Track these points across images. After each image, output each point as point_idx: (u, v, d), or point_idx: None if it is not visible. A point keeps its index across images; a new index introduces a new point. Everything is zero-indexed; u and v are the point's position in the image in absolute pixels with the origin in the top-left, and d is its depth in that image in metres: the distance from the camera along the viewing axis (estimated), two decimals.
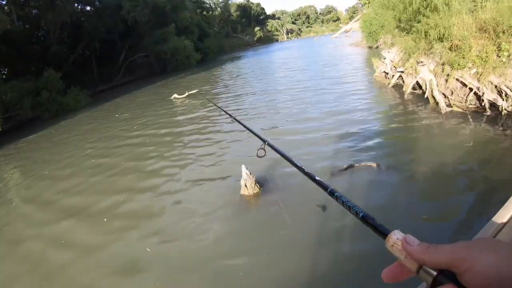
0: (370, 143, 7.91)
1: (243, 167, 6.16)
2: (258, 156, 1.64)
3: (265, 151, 1.63)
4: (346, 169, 6.52)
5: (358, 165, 6.56)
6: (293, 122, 10.44)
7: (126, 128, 14.48)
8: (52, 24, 34.03)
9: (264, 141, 1.65)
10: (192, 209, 6.24)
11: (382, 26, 24.71)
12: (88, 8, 40.75)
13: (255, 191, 6.12)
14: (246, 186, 6.07)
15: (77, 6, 38.89)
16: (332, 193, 0.88)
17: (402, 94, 11.90)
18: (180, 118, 14.50)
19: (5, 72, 33.00)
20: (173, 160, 9.32)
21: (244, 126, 2.20)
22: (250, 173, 6.15)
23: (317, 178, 0.98)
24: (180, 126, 12.86)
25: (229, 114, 2.97)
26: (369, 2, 35.81)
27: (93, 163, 10.57)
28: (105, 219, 6.59)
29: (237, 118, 2.63)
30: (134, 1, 38.81)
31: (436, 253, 0.53)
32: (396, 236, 0.62)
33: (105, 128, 15.71)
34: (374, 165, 6.53)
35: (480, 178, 5.77)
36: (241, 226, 5.47)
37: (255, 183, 6.14)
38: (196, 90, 19.64)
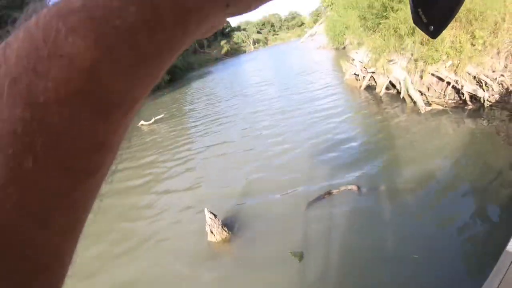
0: (348, 159, 7.16)
1: (206, 211, 5.28)
2: None
3: None
4: (323, 196, 5.72)
5: (337, 190, 5.77)
6: (265, 143, 9.47)
7: None
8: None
9: None
10: (151, 266, 5.30)
11: (346, 27, 24.47)
12: None
13: (223, 236, 5.24)
14: (212, 232, 5.19)
15: None
16: None
17: (376, 95, 11.32)
18: (146, 146, 13.52)
19: None
20: (134, 198, 8.33)
21: None
22: (215, 216, 5.28)
23: None
24: (143, 157, 11.91)
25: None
26: (331, 4, 35.86)
27: None
28: None
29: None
30: None
31: None
32: None
33: None
34: (355, 188, 5.77)
35: (470, 190, 5.14)
36: (209, 283, 4.59)
37: (222, 227, 5.26)
38: (163, 115, 18.72)
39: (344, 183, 5.97)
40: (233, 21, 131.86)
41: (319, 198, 5.68)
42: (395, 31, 10.29)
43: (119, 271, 5.41)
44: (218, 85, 29.36)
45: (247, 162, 8.18)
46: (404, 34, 9.87)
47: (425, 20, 0.39)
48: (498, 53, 8.61)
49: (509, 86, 8.11)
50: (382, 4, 10.82)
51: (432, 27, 0.39)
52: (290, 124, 10.42)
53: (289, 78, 20.46)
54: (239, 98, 17.85)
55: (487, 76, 8.37)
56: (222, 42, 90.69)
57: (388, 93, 11.03)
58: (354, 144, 7.95)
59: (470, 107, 8.48)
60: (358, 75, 13.53)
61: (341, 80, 15.14)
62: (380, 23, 11.09)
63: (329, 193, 5.73)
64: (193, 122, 16.28)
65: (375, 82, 11.98)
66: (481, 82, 8.47)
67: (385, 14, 10.84)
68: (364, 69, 12.88)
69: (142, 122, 18.39)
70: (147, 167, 10.77)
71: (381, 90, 11.04)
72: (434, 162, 6.21)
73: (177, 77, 50.27)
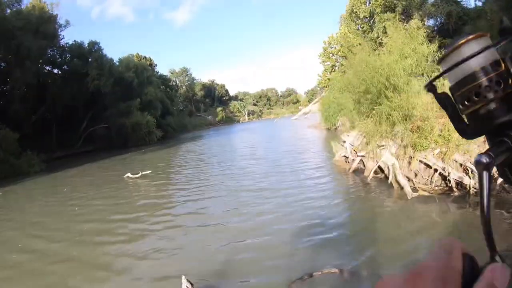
0: (331, 241, 7.02)
1: (183, 279, 5.05)
2: None
3: None
4: (305, 279, 5.55)
5: (319, 273, 5.60)
6: (245, 219, 9.10)
7: (67, 208, 12.97)
8: (19, 82, 33.03)
9: None
10: None
11: (340, 110, 25.39)
12: (55, 71, 40.61)
13: None
14: None
15: (45, 67, 38.71)
16: None
17: (364, 179, 11.44)
18: (126, 201, 13.19)
19: None
20: (105, 256, 7.89)
21: None
22: (192, 286, 5.03)
23: None
24: (122, 211, 11.55)
25: None
26: (327, 86, 37.54)
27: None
28: None
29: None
30: (100, 69, 38.97)
31: None
32: None
33: (49, 204, 14.12)
34: (337, 271, 5.62)
35: None
36: None
37: None
38: (150, 171, 18.62)
39: (326, 266, 5.81)
40: (232, 90, 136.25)
41: (301, 279, 5.50)
42: (387, 118, 10.69)
43: None
44: (208, 151, 29.58)
45: (227, 237, 7.89)
46: (397, 121, 10.25)
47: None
48: (484, 141, 8.92)
49: (494, 173, 8.30)
50: (378, 91, 11.34)
51: None
52: (275, 203, 10.19)
53: (278, 154, 20.63)
54: (227, 169, 17.82)
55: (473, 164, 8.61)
56: (219, 109, 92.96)
57: (376, 177, 11.19)
58: (339, 227, 7.84)
59: (456, 193, 8.63)
60: (347, 157, 13.77)
61: (330, 160, 15.35)
62: (373, 109, 11.54)
63: (310, 275, 5.55)
64: (177, 184, 16.14)
65: (364, 165, 12.18)
66: (468, 170, 8.69)
67: (378, 100, 11.32)
68: (354, 152, 13.15)
69: (128, 174, 18.21)
70: (123, 222, 10.48)
71: (369, 173, 11.20)
72: (418, 247, 6.15)
73: (169, 135, 50.78)
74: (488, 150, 0.42)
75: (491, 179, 0.40)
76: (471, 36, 0.45)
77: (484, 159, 0.40)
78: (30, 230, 10.59)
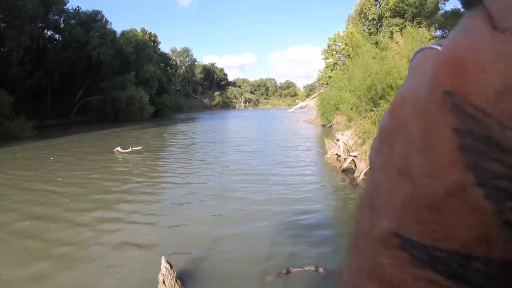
0: (313, 238, 6.97)
1: (163, 260, 4.97)
2: None
3: None
4: (283, 274, 5.50)
5: (297, 269, 5.57)
6: (229, 208, 9.00)
7: (51, 174, 12.77)
8: (13, 43, 32.39)
9: None
10: None
11: (337, 108, 25.38)
12: (57, 36, 40.16)
13: None
14: (164, 283, 4.86)
15: (46, 32, 38.23)
16: None
17: (353, 179, 11.43)
18: (113, 175, 13.02)
19: None
20: (85, 227, 7.82)
21: None
22: (171, 267, 4.96)
23: None
24: (108, 185, 11.40)
25: None
26: (327, 83, 37.44)
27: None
28: None
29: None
30: (102, 38, 38.70)
31: None
32: None
33: (37, 169, 13.89)
34: (313, 268, 5.60)
35: None
36: None
37: (176, 280, 4.93)
38: (141, 147, 18.45)
39: (305, 263, 5.78)
40: (231, 76, 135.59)
41: (278, 274, 5.46)
42: None
43: None
44: (202, 134, 29.40)
45: (209, 224, 7.85)
46: None
47: None
48: None
49: None
50: (382, 89, 11.29)
51: None
52: (261, 194, 10.09)
53: (271, 145, 20.60)
54: (217, 155, 17.68)
55: None
56: (216, 93, 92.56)
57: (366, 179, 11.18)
58: (322, 225, 7.79)
59: None
60: (339, 155, 13.76)
61: (322, 157, 15.34)
62: (374, 108, 11.51)
63: (288, 271, 5.52)
64: (166, 163, 16.01)
65: (355, 166, 12.18)
66: None
67: (379, 101, 11.29)
68: (347, 151, 13.14)
69: (118, 148, 18.06)
70: (108, 194, 10.38)
71: (359, 175, 11.19)
72: None
73: (164, 114, 50.49)
74: None
75: None
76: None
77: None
78: (5, 194, 10.43)
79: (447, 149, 0.17)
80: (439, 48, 0.20)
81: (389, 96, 11.05)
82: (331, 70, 39.53)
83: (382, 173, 0.21)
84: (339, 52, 40.15)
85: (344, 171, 12.51)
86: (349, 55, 33.62)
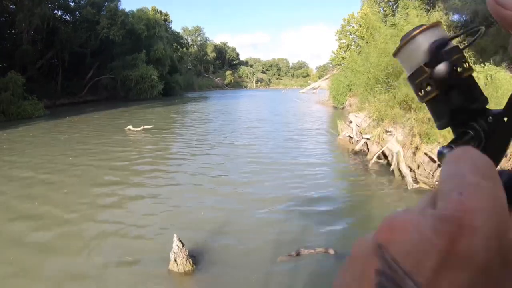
0: (323, 219, 6.97)
1: (175, 238, 5.00)
2: None
3: None
4: (294, 255, 5.49)
5: (308, 251, 5.55)
6: (241, 188, 9.02)
7: (63, 154, 12.85)
8: (24, 24, 32.36)
9: None
10: (97, 281, 4.91)
11: (350, 90, 25.07)
12: (67, 17, 40.03)
13: (187, 269, 4.90)
14: (175, 261, 4.89)
15: (56, 12, 38.18)
16: None
17: (365, 162, 11.33)
18: (124, 154, 13.05)
19: None
20: (94, 206, 7.87)
21: None
22: (183, 246, 4.97)
23: None
24: (119, 165, 11.46)
25: None
26: (340, 64, 36.93)
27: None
28: None
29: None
30: (112, 19, 38.50)
31: None
32: None
33: (48, 148, 14.02)
34: (323, 250, 5.58)
35: None
36: None
37: (188, 258, 4.95)
38: (152, 126, 18.50)
39: (316, 244, 5.76)
40: (243, 55, 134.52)
41: (289, 255, 5.47)
42: (401, 102, 10.50)
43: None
44: (213, 113, 29.32)
45: (220, 204, 7.84)
46: (412, 108, 10.07)
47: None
48: None
49: None
50: (398, 70, 11.08)
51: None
52: (272, 174, 10.04)
53: (283, 126, 20.44)
54: (229, 135, 17.62)
55: None
56: (228, 72, 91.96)
57: (378, 162, 11.06)
58: (333, 206, 7.76)
59: None
60: (352, 137, 13.64)
61: (334, 138, 15.22)
62: (389, 89, 11.30)
63: (298, 253, 5.51)
64: (178, 141, 16.03)
65: (368, 148, 12.06)
66: None
67: (394, 83, 11.08)
68: (360, 133, 13.00)
69: (130, 127, 18.13)
70: (120, 173, 10.45)
71: (372, 158, 11.07)
72: None
73: (176, 93, 50.46)
74: (450, 142, 0.43)
75: None
76: (425, 26, 0.46)
77: (445, 151, 0.40)
78: (19, 174, 10.55)
79: (369, 283, 0.23)
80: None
81: (404, 78, 10.84)
82: (344, 51, 38.89)
83: None
84: (353, 34, 39.41)
85: (357, 153, 12.41)
86: (363, 37, 32.94)
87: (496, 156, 0.42)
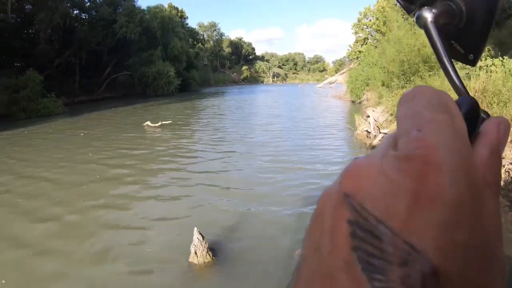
0: None
1: (195, 231, 5.13)
2: None
3: None
4: None
5: None
6: (260, 184, 9.06)
7: (82, 150, 13.13)
8: (44, 23, 33.09)
9: None
10: (120, 272, 5.07)
11: (367, 84, 24.88)
12: (84, 15, 40.68)
13: (206, 260, 5.05)
14: (195, 253, 5.03)
15: (73, 11, 38.77)
16: None
17: None
18: (143, 149, 13.29)
19: None
20: (117, 198, 8.06)
21: None
22: (203, 239, 5.11)
23: None
24: (139, 160, 11.64)
25: None
26: (357, 58, 36.61)
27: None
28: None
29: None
30: (129, 17, 38.98)
31: None
32: None
33: (68, 145, 14.32)
34: None
35: None
36: None
37: (207, 251, 5.09)
38: (170, 121, 18.73)
39: None
40: (258, 50, 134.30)
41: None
42: None
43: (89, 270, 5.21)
44: (230, 108, 29.44)
45: (240, 199, 7.89)
46: None
47: (462, 51, 0.38)
48: (511, 141, 8.61)
49: None
50: (415, 64, 11.00)
51: (471, 55, 0.38)
52: (291, 170, 10.03)
53: (300, 122, 20.36)
54: (248, 130, 17.66)
55: None
56: (244, 67, 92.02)
57: None
58: None
59: None
60: (369, 132, 13.58)
61: (352, 133, 15.17)
62: (406, 85, 11.24)
63: None
64: (196, 137, 16.15)
65: None
66: None
67: (412, 78, 11.01)
68: (377, 128, 12.95)
69: (148, 123, 18.38)
70: (139, 168, 10.64)
71: None
72: None
73: (192, 88, 50.81)
74: (428, 6, 0.37)
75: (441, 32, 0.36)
76: None
77: (427, 12, 0.35)
78: (40, 170, 10.81)
79: (342, 235, 0.22)
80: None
81: (422, 71, 10.76)
82: (361, 45, 38.51)
83: (306, 249, 0.26)
84: (370, 27, 38.98)
85: (374, 148, 12.31)
86: (379, 30, 32.58)
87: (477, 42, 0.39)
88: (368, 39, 38.56)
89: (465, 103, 0.30)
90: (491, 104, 9.16)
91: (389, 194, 0.22)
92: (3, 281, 4.95)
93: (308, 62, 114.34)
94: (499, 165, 0.25)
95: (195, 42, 67.08)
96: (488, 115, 0.30)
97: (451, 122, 0.24)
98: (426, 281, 0.20)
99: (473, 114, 0.29)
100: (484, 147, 0.26)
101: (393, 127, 11.35)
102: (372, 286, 0.20)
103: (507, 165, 8.25)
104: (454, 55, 0.38)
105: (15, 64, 31.09)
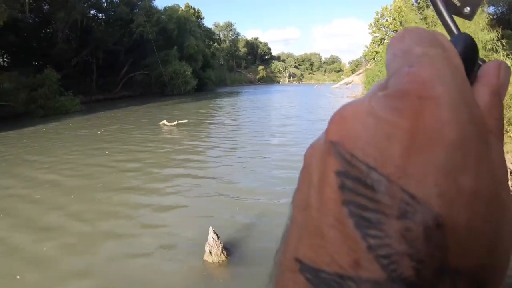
0: None
1: (210, 230, 5.19)
2: None
3: None
4: None
5: None
6: (275, 184, 9.07)
7: (99, 150, 13.37)
8: (62, 23, 33.83)
9: None
10: (136, 269, 5.17)
11: None
12: (101, 15, 41.44)
13: (221, 259, 5.11)
14: (210, 252, 5.09)
15: (89, 11, 39.48)
16: None
17: None
18: (159, 148, 13.43)
19: (8, 61, 32.91)
20: (133, 199, 8.21)
21: None
22: (218, 238, 5.16)
23: None
24: (154, 159, 11.79)
25: None
26: (373, 58, 36.32)
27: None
28: (18, 276, 5.51)
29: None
30: (147, 17, 39.43)
31: None
32: None
33: (85, 143, 14.58)
34: None
35: None
36: None
37: (222, 250, 5.14)
38: (186, 121, 18.85)
39: None
40: (274, 51, 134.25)
41: None
42: None
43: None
44: (246, 108, 29.51)
45: (254, 200, 7.96)
46: None
47: (458, 4, 0.36)
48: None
49: None
50: None
51: (468, 8, 0.36)
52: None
53: (317, 124, 20.18)
54: (263, 131, 17.60)
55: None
56: (260, 67, 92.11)
57: None
58: None
59: None
60: None
61: None
62: None
63: None
64: (213, 137, 16.24)
65: None
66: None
67: None
68: None
69: (164, 121, 18.54)
70: (155, 166, 10.76)
71: None
72: None
73: (208, 88, 51.12)
74: None
75: None
76: None
77: None
78: (58, 167, 11.05)
79: (331, 188, 0.20)
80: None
81: None
82: (378, 45, 38.23)
83: (294, 209, 0.24)
84: (387, 27, 38.64)
85: None
86: (396, 31, 32.21)
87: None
88: (385, 39, 38.23)
89: (460, 40, 0.26)
90: (510, 107, 8.88)
91: (381, 137, 0.19)
92: (18, 277, 5.07)
93: (324, 62, 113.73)
94: (500, 108, 0.23)
95: (211, 42, 67.49)
96: (485, 62, 0.27)
97: (445, 55, 0.22)
98: (430, 234, 0.17)
99: (469, 52, 0.26)
100: (484, 87, 0.23)
101: None
102: (367, 244, 0.18)
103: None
104: (449, 9, 0.38)
105: (33, 63, 31.95)
